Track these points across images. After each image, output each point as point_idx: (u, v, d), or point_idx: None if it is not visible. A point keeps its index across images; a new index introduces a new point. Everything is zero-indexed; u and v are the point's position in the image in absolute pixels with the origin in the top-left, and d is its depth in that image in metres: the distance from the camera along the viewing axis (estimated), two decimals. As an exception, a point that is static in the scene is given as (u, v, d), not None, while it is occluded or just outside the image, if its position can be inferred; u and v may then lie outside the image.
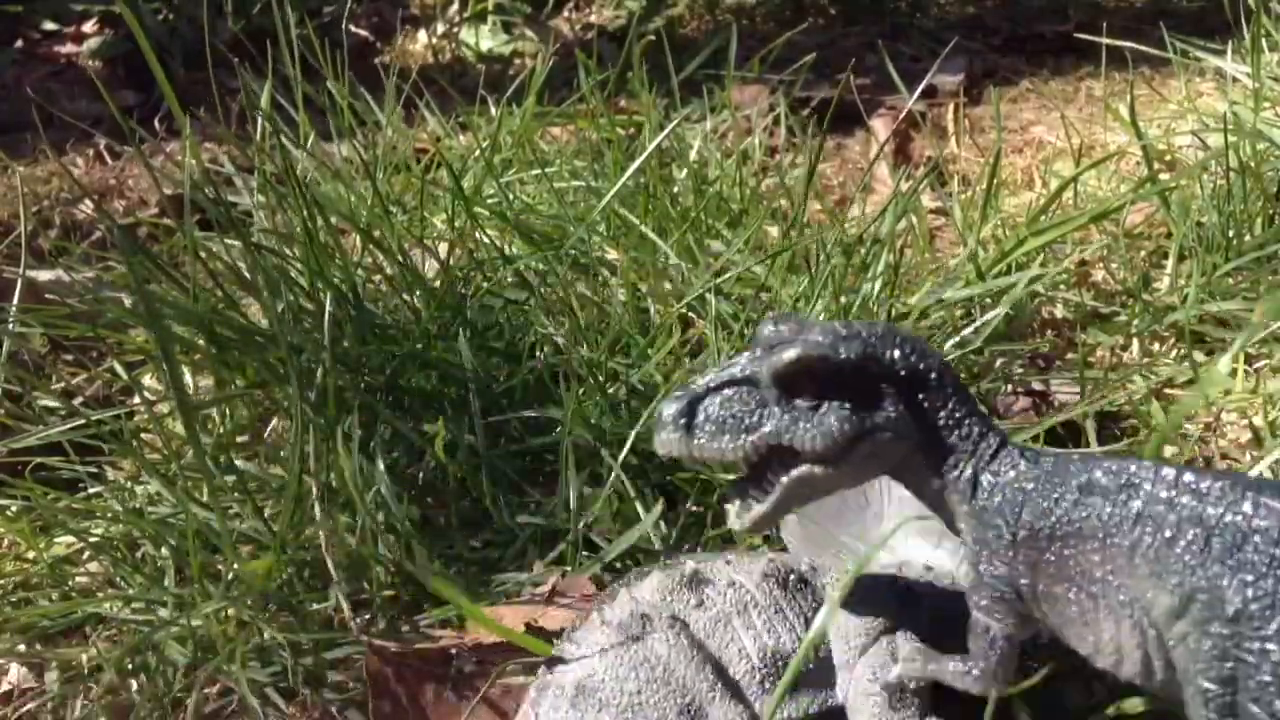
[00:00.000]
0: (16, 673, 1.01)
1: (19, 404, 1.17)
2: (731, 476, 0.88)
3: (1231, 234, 1.35)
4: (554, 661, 0.82)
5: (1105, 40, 1.63)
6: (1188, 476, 0.67)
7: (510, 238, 1.37)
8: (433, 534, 1.06)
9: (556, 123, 1.79)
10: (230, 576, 0.99)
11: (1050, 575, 0.71)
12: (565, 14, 2.78)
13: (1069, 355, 1.29)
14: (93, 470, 1.13)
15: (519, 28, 2.57)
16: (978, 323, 1.22)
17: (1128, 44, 1.65)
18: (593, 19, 2.79)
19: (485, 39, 2.54)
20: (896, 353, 0.74)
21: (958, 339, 1.20)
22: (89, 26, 2.60)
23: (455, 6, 2.62)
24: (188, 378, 1.23)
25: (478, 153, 1.51)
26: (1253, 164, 1.38)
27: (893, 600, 0.83)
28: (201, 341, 1.10)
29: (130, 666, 0.98)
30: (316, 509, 0.97)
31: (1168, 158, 1.66)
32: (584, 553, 1.02)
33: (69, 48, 2.58)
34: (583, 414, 1.11)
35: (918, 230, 1.42)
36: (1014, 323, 1.31)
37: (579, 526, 1.01)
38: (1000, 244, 1.33)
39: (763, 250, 1.37)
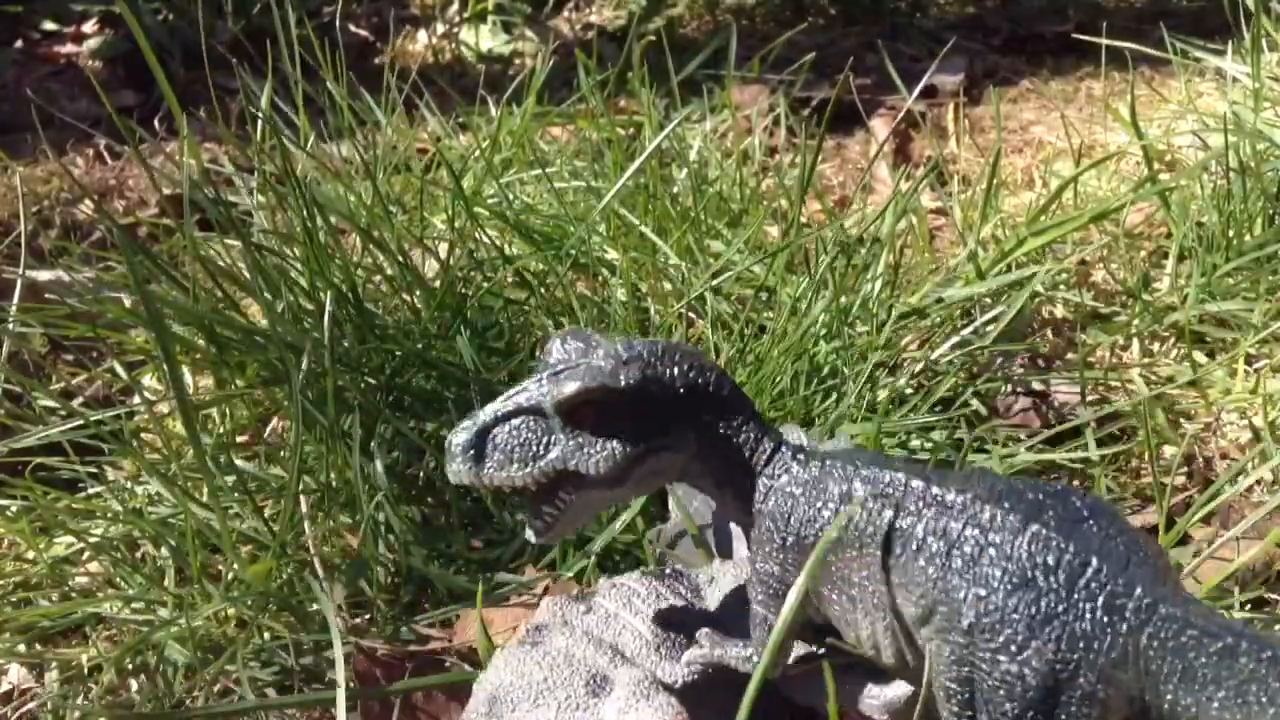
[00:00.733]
0: (16, 673, 1.01)
1: (19, 404, 1.17)
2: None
3: (1231, 234, 1.35)
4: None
5: (1105, 40, 1.63)
6: (935, 490, 0.71)
7: (510, 238, 1.37)
8: (433, 534, 1.06)
9: (556, 123, 1.79)
10: (230, 576, 0.99)
11: (815, 576, 0.75)
12: (565, 14, 2.78)
13: (1069, 355, 1.29)
14: (93, 470, 1.13)
15: (519, 28, 2.57)
16: (978, 322, 1.22)
17: (1128, 44, 1.65)
18: (593, 19, 2.79)
19: (485, 39, 2.54)
20: (675, 370, 0.78)
21: (958, 339, 1.20)
22: (89, 26, 2.60)
23: (455, 6, 2.62)
24: (188, 378, 1.24)
25: (478, 153, 1.51)
26: (1253, 164, 1.38)
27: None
28: (201, 341, 1.10)
29: (130, 666, 0.98)
30: (303, 508, 0.97)
31: (1168, 158, 1.66)
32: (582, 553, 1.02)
33: (69, 48, 2.58)
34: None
35: (918, 230, 1.42)
36: (1014, 323, 1.31)
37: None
38: (1000, 244, 1.33)
39: (763, 250, 1.37)
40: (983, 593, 0.68)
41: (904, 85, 1.79)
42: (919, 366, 1.19)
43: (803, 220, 1.34)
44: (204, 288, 1.13)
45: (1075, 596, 0.66)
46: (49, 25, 2.63)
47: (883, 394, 1.16)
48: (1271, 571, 0.98)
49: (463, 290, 1.23)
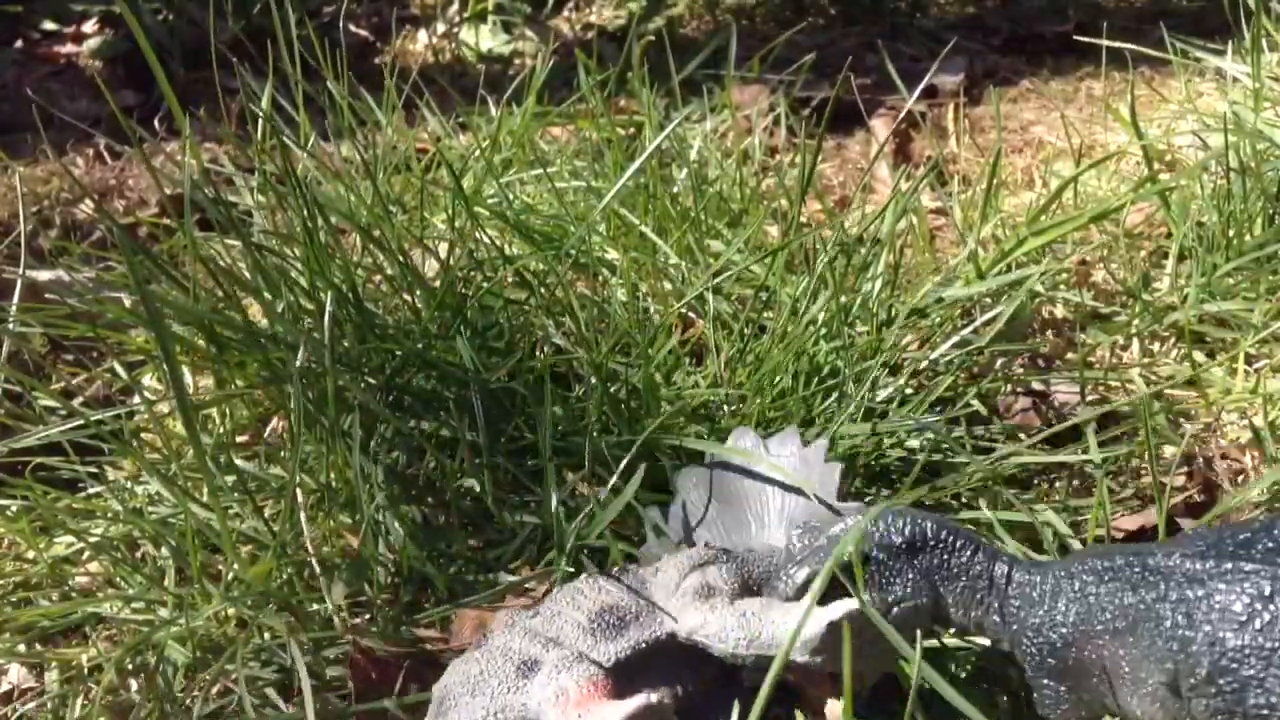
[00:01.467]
0: (16, 673, 1.01)
1: (19, 404, 1.17)
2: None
3: (1231, 234, 1.35)
4: None
5: (1105, 40, 1.63)
6: (1152, 560, 0.76)
7: (510, 238, 1.37)
8: (433, 534, 1.06)
9: (556, 123, 1.79)
10: (230, 576, 0.99)
11: (1083, 675, 0.79)
12: (565, 14, 2.78)
13: (1069, 355, 1.29)
14: (93, 470, 1.13)
15: (519, 28, 2.57)
16: (977, 322, 1.22)
17: (1128, 44, 1.65)
18: (593, 19, 2.79)
19: (485, 39, 2.54)
20: (893, 532, 0.85)
21: (958, 339, 1.20)
22: (89, 26, 2.60)
23: (455, 6, 2.62)
24: (188, 378, 1.24)
25: (478, 153, 1.51)
26: (1253, 164, 1.38)
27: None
28: (201, 341, 1.10)
29: (130, 666, 0.98)
30: (301, 508, 0.97)
31: (1168, 158, 1.66)
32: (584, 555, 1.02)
33: (69, 48, 2.58)
34: (575, 414, 1.11)
35: (918, 230, 1.42)
36: (1014, 323, 1.31)
37: (563, 532, 1.01)
38: (1000, 244, 1.33)
39: (763, 250, 1.37)
40: (1211, 640, 0.72)
41: (904, 85, 1.79)
42: (919, 366, 1.19)
43: (803, 220, 1.34)
44: (204, 288, 1.13)
45: None
46: (49, 25, 2.63)
47: (883, 394, 1.16)
48: None
49: (463, 290, 1.23)
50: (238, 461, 1.09)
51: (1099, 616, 0.77)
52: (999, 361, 1.25)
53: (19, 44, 2.59)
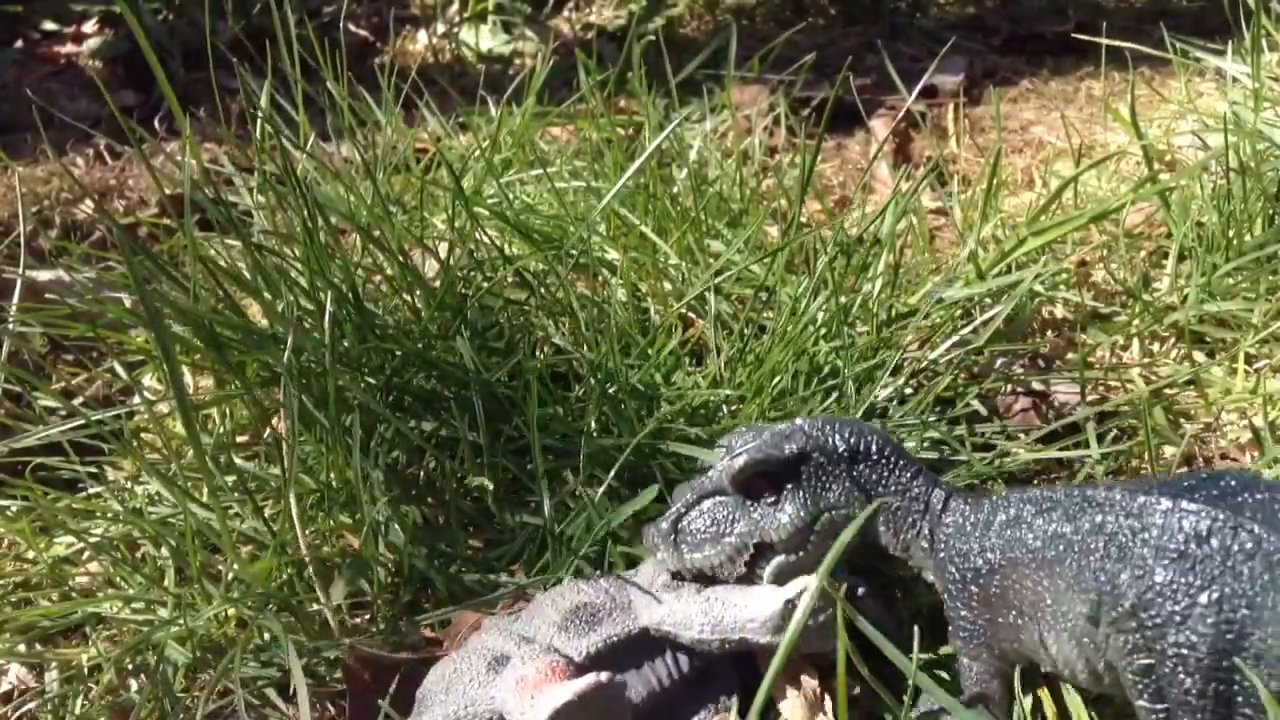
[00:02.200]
0: (16, 673, 1.01)
1: (19, 404, 1.17)
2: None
3: (1231, 234, 1.35)
4: None
5: (1105, 40, 1.63)
6: (1089, 493, 0.75)
7: (510, 238, 1.37)
8: (433, 534, 1.06)
9: (556, 123, 1.79)
10: (230, 576, 0.98)
11: (1003, 607, 0.78)
12: (565, 14, 2.78)
13: (1069, 355, 1.29)
14: (93, 470, 1.13)
15: (519, 28, 2.57)
16: (977, 322, 1.22)
17: (1128, 44, 1.65)
18: (593, 19, 2.79)
19: (485, 39, 2.54)
20: (836, 437, 0.85)
21: (957, 339, 1.20)
22: (89, 26, 2.60)
23: (455, 6, 2.62)
24: (188, 378, 1.23)
25: (478, 153, 1.51)
26: (1253, 164, 1.38)
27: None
28: (201, 341, 1.10)
29: (130, 666, 0.98)
30: (294, 510, 0.97)
31: (1168, 158, 1.66)
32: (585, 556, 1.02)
33: (69, 48, 2.58)
34: (575, 415, 1.11)
35: (918, 230, 1.42)
36: (1014, 323, 1.31)
37: (558, 539, 1.01)
38: (1000, 244, 1.33)
39: (763, 250, 1.37)
40: (1140, 573, 0.70)
41: (904, 85, 1.79)
42: (919, 366, 1.19)
43: (803, 220, 1.34)
44: (204, 287, 1.13)
45: (1231, 560, 0.68)
46: (49, 25, 2.63)
47: (883, 394, 1.16)
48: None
49: (463, 290, 1.23)
50: (238, 461, 1.09)
51: (1029, 544, 0.76)
52: (999, 361, 1.25)
53: (19, 44, 2.59)
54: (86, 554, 1.08)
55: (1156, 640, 0.69)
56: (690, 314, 1.29)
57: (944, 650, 0.91)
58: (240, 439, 1.18)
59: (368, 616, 1.02)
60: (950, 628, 0.82)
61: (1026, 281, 1.24)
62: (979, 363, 1.23)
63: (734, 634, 0.84)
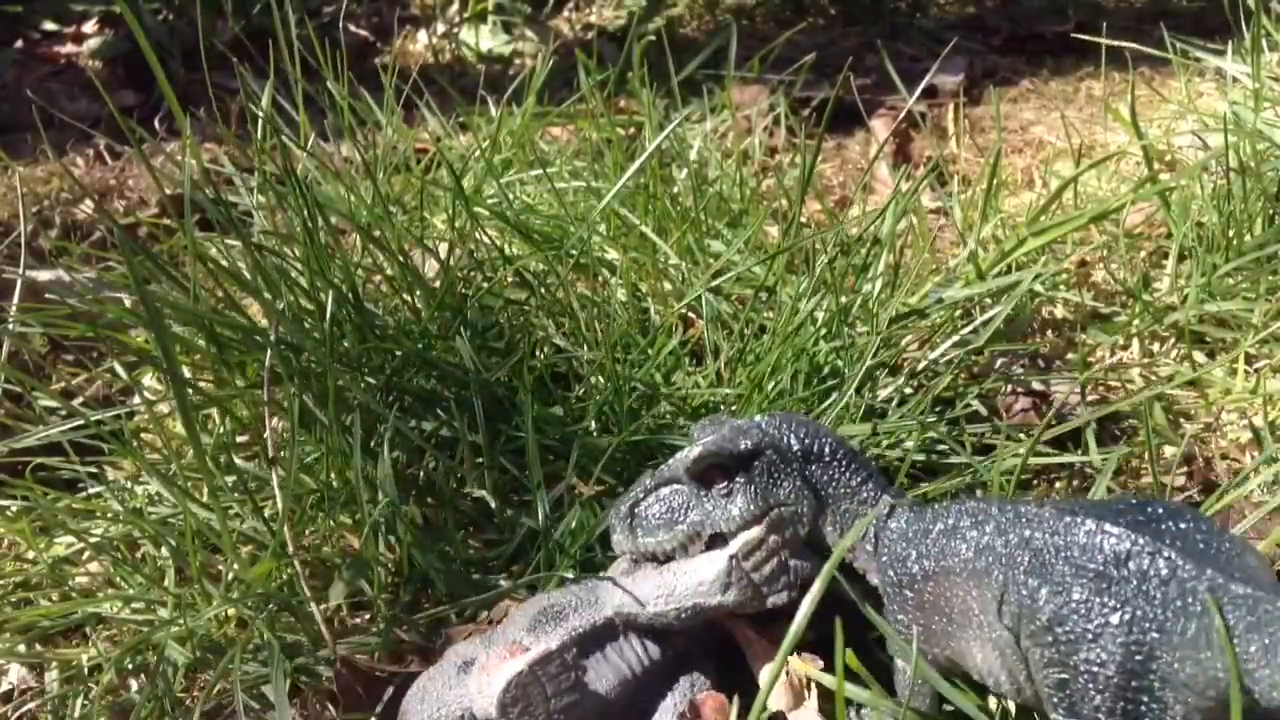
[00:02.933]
0: (16, 673, 1.01)
1: (19, 404, 1.17)
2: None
3: (1231, 234, 1.35)
4: None
5: (1105, 40, 1.63)
6: (1020, 508, 0.76)
7: (510, 238, 1.37)
8: (433, 534, 1.06)
9: (556, 123, 1.79)
10: (230, 576, 0.98)
11: (935, 614, 0.80)
12: (565, 14, 2.78)
13: (1069, 355, 1.29)
14: (93, 470, 1.13)
15: (519, 28, 2.57)
16: (977, 322, 1.22)
17: (1128, 44, 1.65)
18: (593, 19, 2.79)
19: (485, 39, 2.54)
20: (791, 436, 0.87)
21: (957, 339, 1.20)
22: (89, 26, 2.60)
23: (455, 6, 2.62)
24: (187, 375, 1.23)
25: (478, 153, 1.51)
26: (1253, 164, 1.38)
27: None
28: (201, 342, 1.10)
29: (130, 666, 0.98)
30: (286, 515, 0.97)
31: (1168, 158, 1.66)
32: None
33: (69, 48, 2.58)
34: (572, 416, 1.11)
35: (918, 230, 1.42)
36: (1014, 323, 1.31)
37: (550, 544, 1.01)
38: (1000, 244, 1.33)
39: (763, 250, 1.37)
40: (1058, 589, 0.72)
41: (904, 85, 1.79)
42: (919, 366, 1.19)
43: (803, 220, 1.34)
44: (204, 287, 1.13)
45: (1146, 585, 0.69)
46: (49, 25, 2.63)
47: (883, 394, 1.16)
48: (1273, 572, 0.98)
49: (463, 290, 1.23)
50: (238, 461, 1.09)
51: (961, 554, 0.78)
52: (999, 361, 1.25)
53: (19, 44, 2.59)
54: (86, 554, 1.08)
55: (1069, 655, 0.71)
56: (690, 314, 1.29)
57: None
58: (240, 439, 1.18)
59: (368, 617, 1.02)
60: (888, 634, 0.84)
61: (1026, 282, 1.24)
62: (979, 363, 1.23)
63: (687, 600, 0.86)
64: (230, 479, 1.06)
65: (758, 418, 0.89)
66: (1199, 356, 1.25)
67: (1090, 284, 1.43)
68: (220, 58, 1.39)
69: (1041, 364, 1.29)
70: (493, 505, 1.06)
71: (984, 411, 1.17)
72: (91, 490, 1.13)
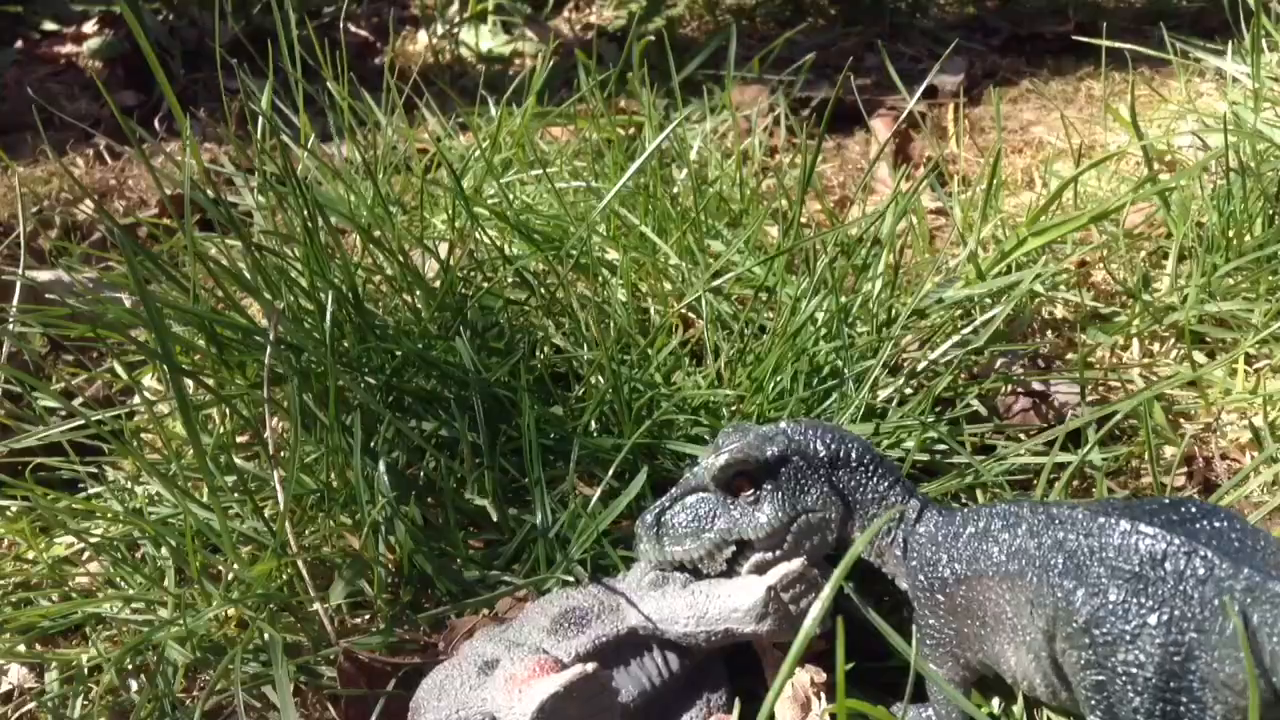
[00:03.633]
0: (16, 673, 1.01)
1: (19, 404, 1.17)
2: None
3: (1231, 234, 1.35)
4: None
5: (1105, 41, 1.63)
6: (1053, 511, 0.76)
7: (510, 238, 1.37)
8: (433, 534, 1.06)
9: (556, 123, 1.79)
10: (230, 577, 0.98)
11: (968, 617, 0.80)
12: (565, 14, 2.78)
13: (1069, 355, 1.29)
14: (93, 470, 1.13)
15: (519, 28, 2.57)
16: (977, 323, 1.22)
17: (1128, 44, 1.65)
18: (593, 19, 2.79)
19: (485, 39, 2.54)
20: (818, 442, 0.87)
21: (957, 339, 1.20)
22: (89, 27, 2.60)
23: (455, 7, 2.62)
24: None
25: (478, 153, 1.51)
26: (1253, 164, 1.38)
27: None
28: (201, 341, 1.10)
29: (130, 666, 0.98)
30: (282, 503, 0.97)
31: (1168, 158, 1.66)
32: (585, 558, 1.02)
33: (69, 48, 2.58)
34: (572, 416, 1.11)
35: (918, 230, 1.42)
36: (1014, 323, 1.31)
37: (550, 544, 1.01)
38: (1000, 244, 1.33)
39: (763, 250, 1.37)
40: (1094, 591, 0.72)
41: (904, 85, 1.79)
42: (919, 366, 1.19)
43: (803, 220, 1.34)
44: (204, 287, 1.13)
45: (1183, 584, 0.69)
46: (49, 25, 2.63)
47: (883, 394, 1.16)
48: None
49: (463, 290, 1.23)
50: (238, 461, 1.09)
51: (994, 557, 0.78)
52: (999, 362, 1.25)
53: (19, 44, 2.59)
54: (86, 554, 1.08)
55: (1107, 657, 0.71)
56: (690, 314, 1.29)
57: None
58: (240, 439, 1.18)
59: (368, 616, 1.02)
60: (917, 635, 0.84)
61: (1026, 282, 1.24)
62: (979, 363, 1.23)
63: (719, 625, 0.85)
64: (230, 479, 1.06)
65: (783, 424, 0.89)
66: (1199, 356, 1.25)
67: (1090, 284, 1.43)
68: (220, 58, 1.39)
69: (1041, 364, 1.29)
70: (494, 517, 1.05)
71: (984, 411, 1.17)
72: (91, 490, 1.13)
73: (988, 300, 1.28)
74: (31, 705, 0.97)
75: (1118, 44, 1.63)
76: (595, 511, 1.02)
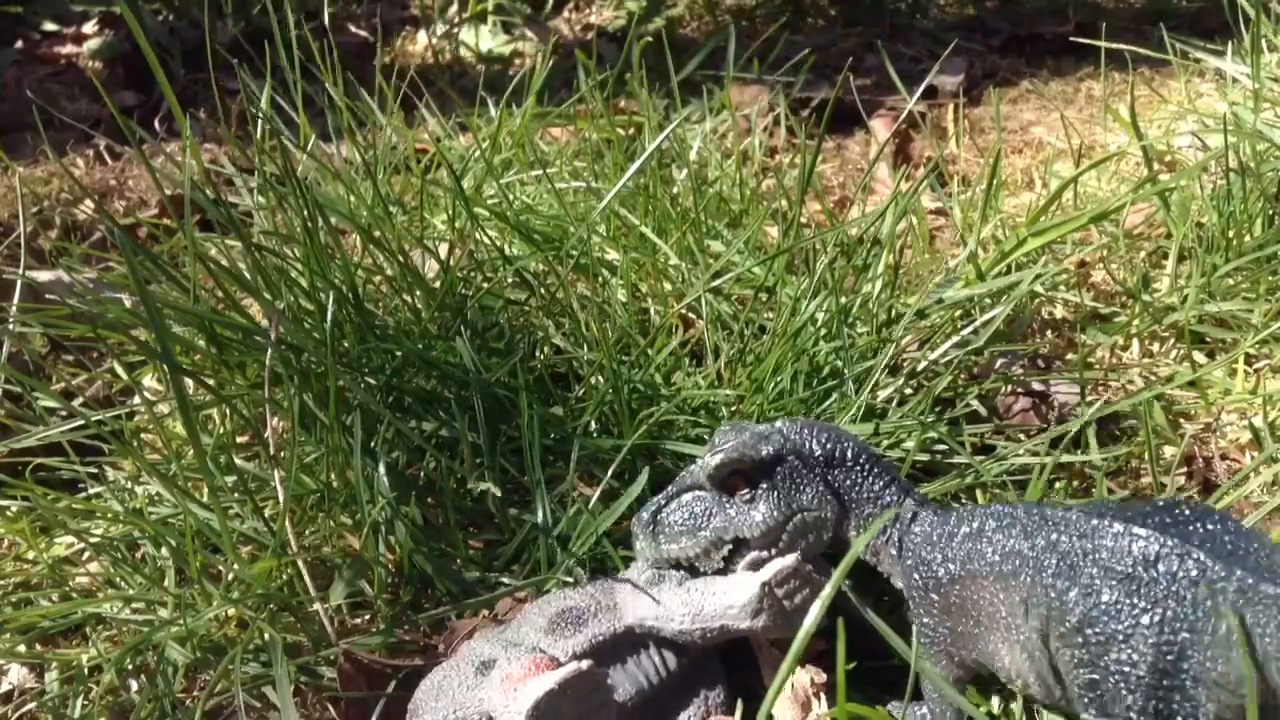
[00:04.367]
0: (16, 673, 1.01)
1: (19, 404, 1.17)
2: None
3: (1231, 234, 1.35)
4: None
5: (1105, 41, 1.63)
6: (1047, 512, 0.77)
7: (510, 238, 1.37)
8: (433, 534, 1.06)
9: (556, 123, 1.79)
10: (230, 577, 0.98)
11: (962, 616, 0.80)
12: (565, 14, 2.78)
13: (1069, 355, 1.29)
14: (93, 470, 1.13)
15: (519, 28, 2.57)
16: (977, 323, 1.22)
17: (1127, 45, 1.65)
18: (593, 19, 2.79)
19: (485, 39, 2.54)
20: (813, 442, 0.87)
21: (957, 339, 1.20)
22: (89, 27, 2.60)
23: (455, 7, 2.62)
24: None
25: (478, 153, 1.51)
26: (1253, 164, 1.38)
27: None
28: (201, 341, 1.10)
29: (130, 666, 0.98)
30: (281, 501, 0.97)
31: (1167, 158, 1.66)
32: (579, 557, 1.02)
33: (69, 48, 2.58)
34: (572, 416, 1.11)
35: (918, 230, 1.42)
36: (1014, 323, 1.31)
37: (551, 545, 1.01)
38: (1000, 244, 1.33)
39: (763, 251, 1.37)
40: (1087, 591, 0.72)
41: (904, 86, 1.79)
42: (919, 366, 1.19)
43: (803, 221, 1.34)
44: (204, 288, 1.13)
45: (1176, 585, 0.70)
46: (49, 25, 2.63)
47: (883, 394, 1.16)
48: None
49: (463, 291, 1.23)
50: (238, 461, 1.09)
51: (987, 557, 0.78)
52: (999, 362, 1.25)
53: (19, 44, 2.59)
54: (86, 554, 1.08)
55: (1100, 656, 0.71)
56: (690, 314, 1.29)
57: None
58: (240, 439, 1.18)
59: (368, 617, 1.02)
60: (914, 636, 0.84)
61: (1026, 282, 1.24)
62: (979, 363, 1.23)
63: (715, 622, 0.86)
64: (230, 479, 1.06)
65: (779, 423, 0.89)
66: (1199, 357, 1.25)
67: (1090, 284, 1.43)
68: (220, 58, 1.39)
69: (1041, 364, 1.29)
70: (495, 512, 1.05)
71: (984, 411, 1.17)
72: (91, 490, 1.13)
73: (987, 300, 1.28)
74: (31, 705, 0.97)
75: (1117, 44, 1.63)
76: (595, 511, 1.02)
